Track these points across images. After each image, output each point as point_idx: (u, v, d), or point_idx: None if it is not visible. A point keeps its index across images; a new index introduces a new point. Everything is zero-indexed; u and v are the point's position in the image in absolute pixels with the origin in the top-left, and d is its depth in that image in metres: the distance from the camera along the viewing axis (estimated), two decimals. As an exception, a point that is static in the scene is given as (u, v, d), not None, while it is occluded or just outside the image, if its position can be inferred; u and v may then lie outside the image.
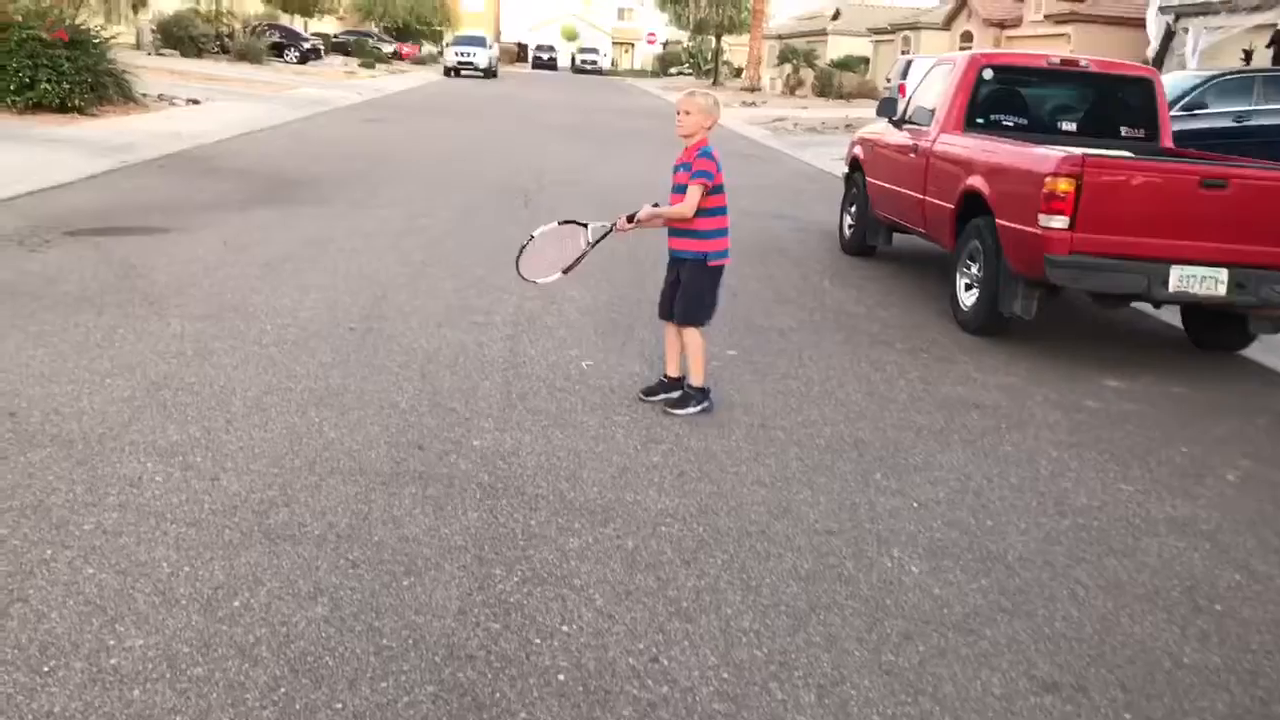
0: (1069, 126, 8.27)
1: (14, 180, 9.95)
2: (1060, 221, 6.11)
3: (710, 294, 5.03)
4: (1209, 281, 6.14)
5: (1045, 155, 6.40)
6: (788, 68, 48.05)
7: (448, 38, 63.67)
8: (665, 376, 5.16)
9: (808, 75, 45.57)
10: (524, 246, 4.98)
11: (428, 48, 65.46)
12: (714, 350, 5.37)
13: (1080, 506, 4.29)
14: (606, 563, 3.48)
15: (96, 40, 16.27)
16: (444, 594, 3.20)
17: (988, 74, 8.19)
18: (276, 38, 42.07)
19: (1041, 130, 8.08)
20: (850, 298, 7.90)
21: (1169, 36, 25.15)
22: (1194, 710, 2.95)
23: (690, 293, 4.98)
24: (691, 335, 5.03)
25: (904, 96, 9.67)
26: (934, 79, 8.75)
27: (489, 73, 49.74)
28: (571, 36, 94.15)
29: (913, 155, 8.31)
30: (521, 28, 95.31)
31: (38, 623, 2.89)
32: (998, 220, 6.67)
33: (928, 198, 7.90)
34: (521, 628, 3.05)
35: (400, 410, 4.75)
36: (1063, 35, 34.02)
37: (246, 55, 36.00)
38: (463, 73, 49.22)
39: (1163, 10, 25.58)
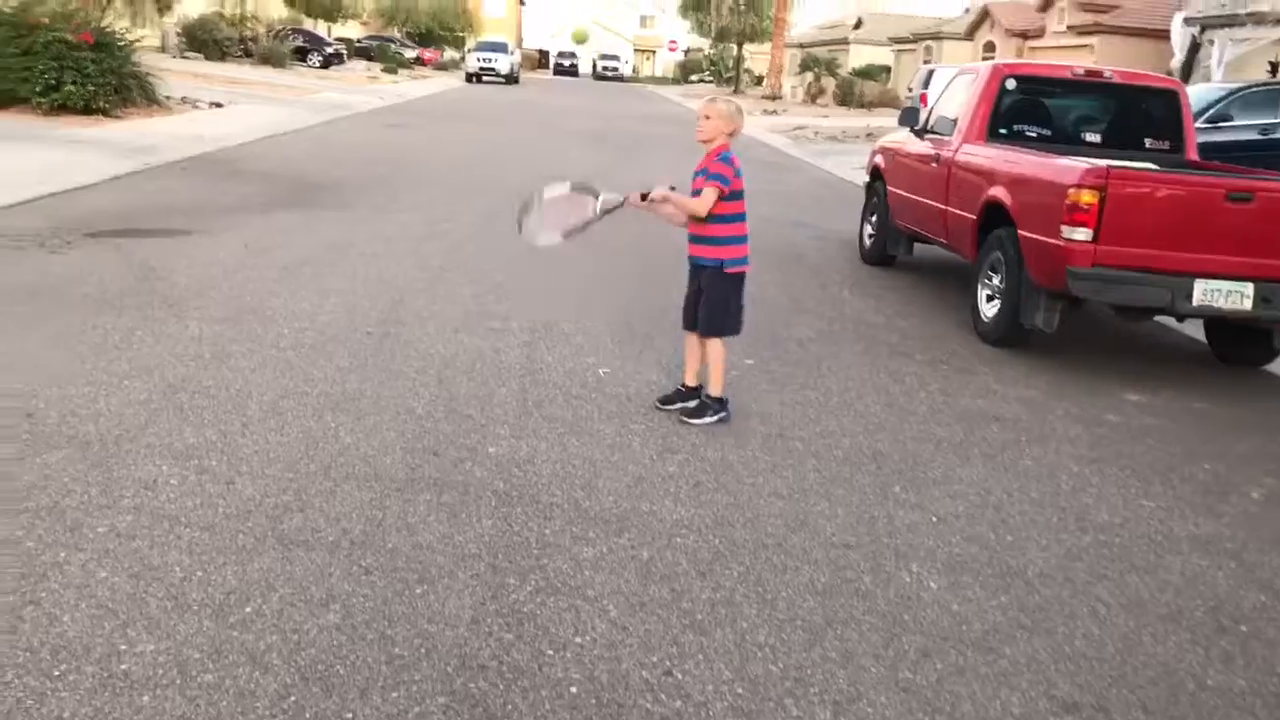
0: (1093, 138, 8.20)
1: (38, 181, 10.02)
2: (1083, 233, 6.05)
3: (734, 302, 4.98)
4: (1234, 296, 6.07)
5: (1069, 166, 6.34)
6: (809, 76, 47.95)
7: (470, 43, 63.90)
8: (683, 385, 5.13)
9: (829, 84, 45.46)
10: (529, 204, 4.91)
11: (450, 53, 65.69)
12: (732, 360, 5.33)
13: (1101, 523, 4.24)
14: (621, 573, 3.45)
15: (121, 43, 16.38)
16: (457, 603, 3.18)
17: (1011, 84, 8.13)
18: (300, 42, 42.29)
19: (1065, 141, 8.02)
20: (870, 307, 7.85)
21: (1195, 48, 24.97)
22: (1218, 734, 2.89)
23: (712, 301, 4.94)
24: (714, 346, 4.99)
25: (926, 106, 9.63)
26: (956, 89, 8.70)
27: (510, 79, 49.87)
28: (581, 40, 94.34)
29: (934, 165, 8.26)
30: (543, 34, 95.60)
31: (50, 626, 2.88)
32: (1020, 231, 6.61)
33: (949, 208, 7.85)
34: (534, 638, 3.03)
35: (416, 416, 4.73)
36: (1086, 46, 33.84)
37: (270, 59, 36.20)
38: (484, 78, 49.36)
39: (1188, 22, 25.42)
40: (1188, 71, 24.34)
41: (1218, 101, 14.44)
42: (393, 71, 44.47)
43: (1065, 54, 33.14)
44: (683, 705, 2.78)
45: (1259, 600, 3.69)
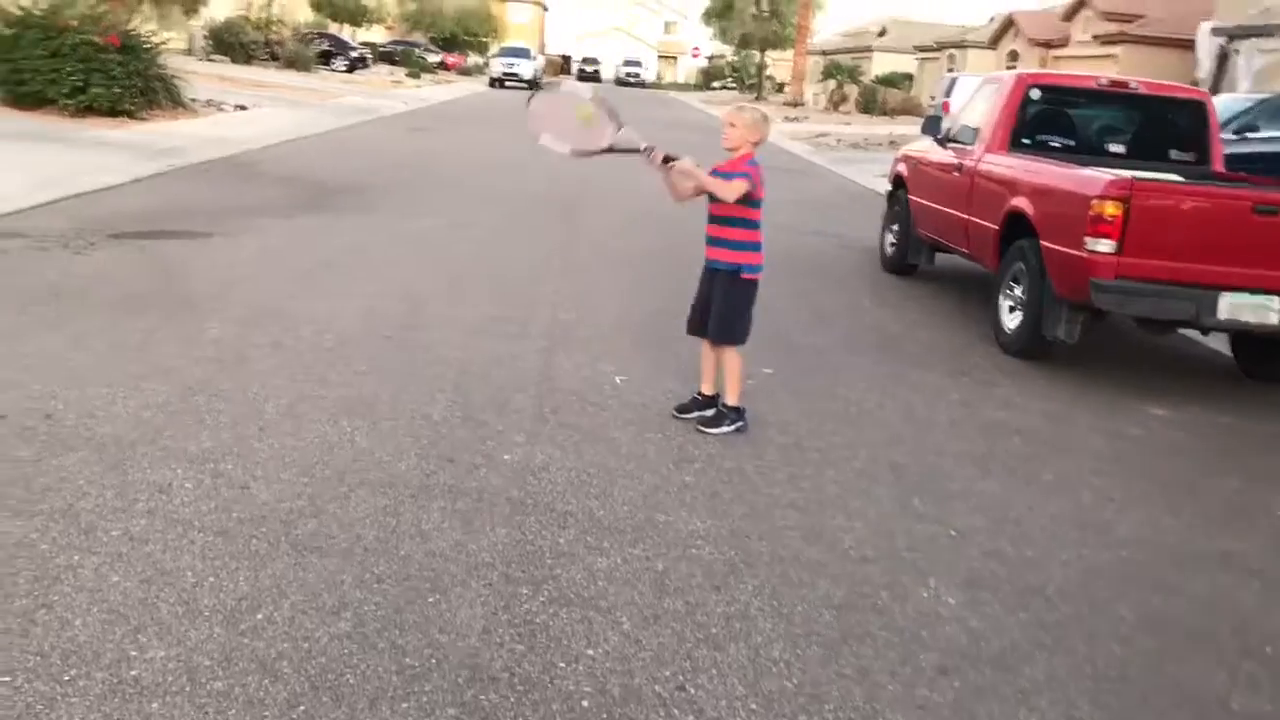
0: (1117, 149, 8.12)
1: (63, 182, 10.08)
2: (1107, 245, 5.99)
3: (745, 310, 4.95)
4: (1260, 310, 5.99)
5: (1092, 177, 6.28)
6: (832, 83, 47.88)
7: (493, 49, 64.13)
8: (699, 394, 5.09)
9: (852, 91, 45.38)
10: (540, 89, 4.84)
11: (473, 58, 65.95)
12: (750, 368, 5.30)
13: (1123, 539, 4.18)
14: (635, 585, 3.42)
15: (147, 46, 16.49)
16: (469, 612, 3.15)
17: (1035, 94, 8.08)
18: (325, 46, 42.57)
19: (1089, 152, 7.95)
20: (890, 317, 7.80)
21: (1223, 58, 24.76)
22: (1241, 759, 2.84)
23: (725, 307, 4.90)
24: (730, 355, 4.96)
25: (949, 114, 9.56)
26: (980, 98, 8.65)
27: (533, 84, 50.03)
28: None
29: (957, 174, 8.20)
30: (567, 39, 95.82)
31: (61, 630, 2.87)
32: (1042, 242, 6.55)
33: (971, 217, 7.79)
34: (546, 650, 3.00)
35: (432, 422, 4.72)
36: (1111, 56, 33.63)
37: (295, 63, 36.45)
38: (507, 83, 49.54)
39: (1215, 32, 25.19)
40: (1219, 82, 24.11)
41: (1244, 112, 14.27)
42: (416, 76, 44.67)
43: (1090, 64, 32.95)
44: (695, 720, 2.75)
45: (1285, 621, 3.62)
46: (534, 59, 52.67)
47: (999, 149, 7.82)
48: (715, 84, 72.23)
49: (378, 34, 63.13)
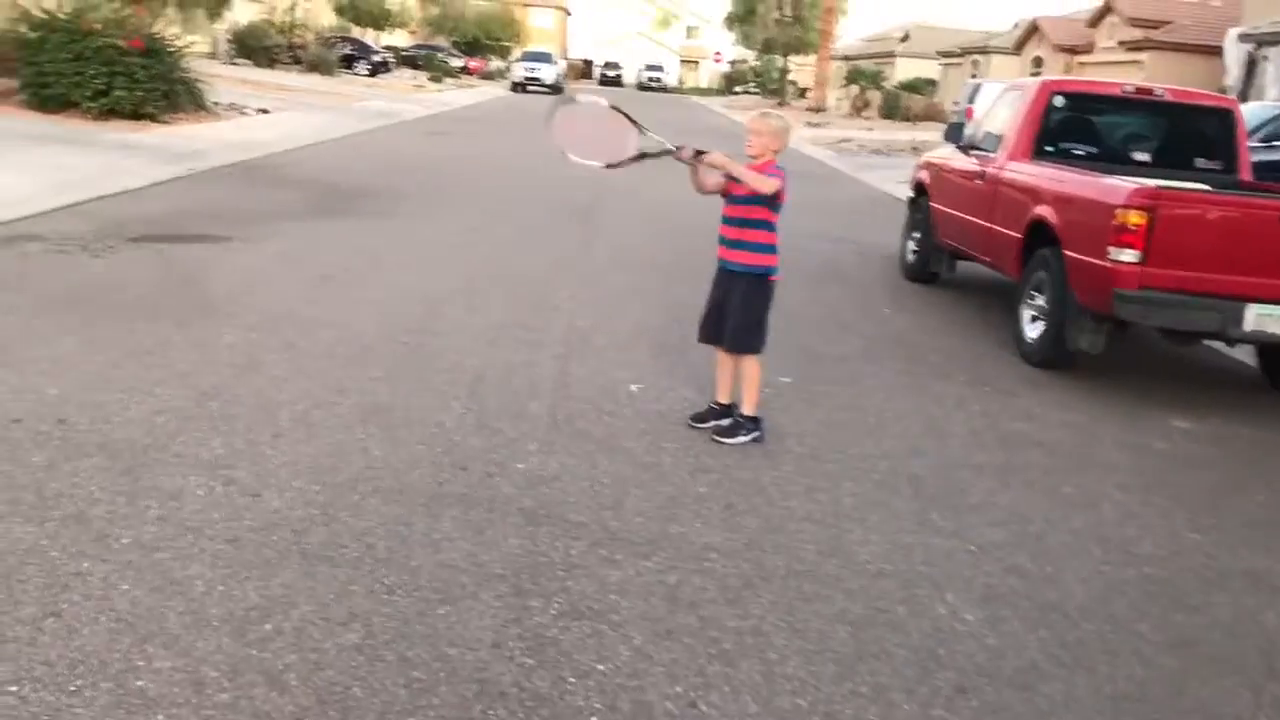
0: (1142, 157, 8.03)
1: (84, 185, 10.14)
2: (1131, 255, 5.91)
3: (765, 315, 4.89)
4: (1288, 321, 5.89)
5: (1116, 186, 6.20)
6: (854, 89, 47.73)
7: (515, 53, 64.31)
8: (715, 403, 5.04)
9: (874, 97, 45.21)
10: (560, 104, 4.77)
11: (496, 63, 66.15)
12: (768, 377, 5.24)
13: (1146, 555, 4.10)
14: (647, 598, 3.37)
15: (171, 49, 16.58)
16: (479, 625, 3.12)
17: (1059, 101, 7.99)
18: (348, 50, 42.82)
19: (1113, 160, 7.85)
20: (911, 325, 7.73)
21: (1251, 65, 24.51)
22: (1267, 785, 2.76)
23: (746, 312, 4.83)
24: (749, 363, 4.90)
25: (971, 121, 9.49)
26: (1003, 104, 8.57)
27: (555, 88, 50.11)
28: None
29: (979, 182, 8.12)
30: (589, 44, 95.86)
31: (69, 638, 2.85)
32: (1065, 251, 6.47)
33: (994, 225, 7.71)
34: (556, 664, 2.96)
35: (446, 429, 4.69)
36: (1136, 62, 33.36)
37: (318, 67, 36.64)
38: (529, 88, 49.64)
39: (1243, 38, 24.95)
40: (1247, 90, 23.86)
41: (1272, 119, 14.13)
42: (438, 80, 44.84)
43: (1115, 70, 32.71)
44: (706, 739, 2.70)
45: (1312, 642, 3.54)
46: (556, 64, 52.77)
47: (1022, 156, 7.74)
48: (738, 89, 72.14)
49: (400, 38, 63.43)
